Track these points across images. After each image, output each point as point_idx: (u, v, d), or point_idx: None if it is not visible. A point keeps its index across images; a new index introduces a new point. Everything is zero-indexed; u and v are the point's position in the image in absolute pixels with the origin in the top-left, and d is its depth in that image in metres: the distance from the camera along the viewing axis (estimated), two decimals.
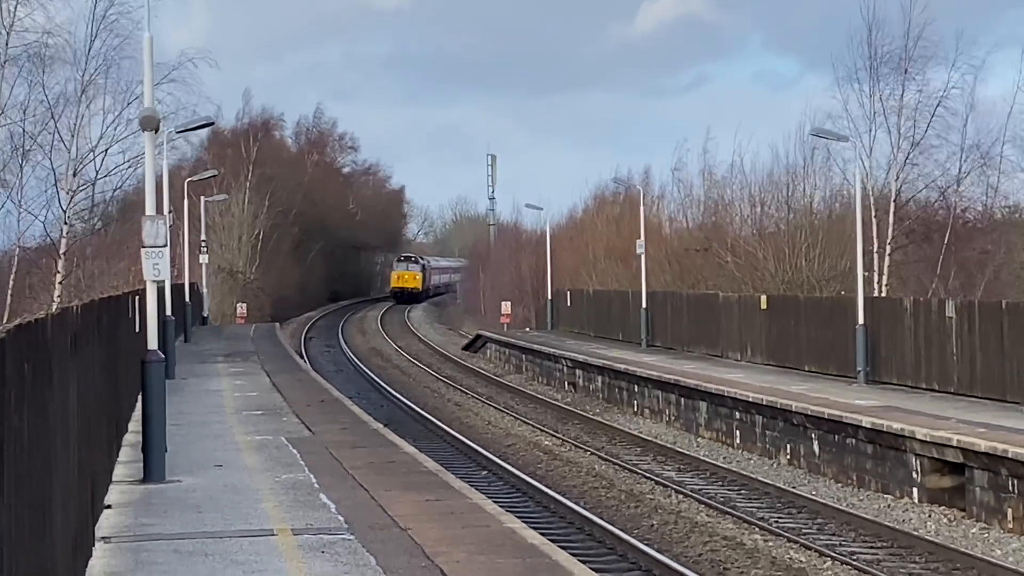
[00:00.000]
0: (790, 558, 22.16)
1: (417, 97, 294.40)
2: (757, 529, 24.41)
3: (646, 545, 22.39)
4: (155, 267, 20.98)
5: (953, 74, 51.17)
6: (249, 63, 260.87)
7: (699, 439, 37.13)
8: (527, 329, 72.85)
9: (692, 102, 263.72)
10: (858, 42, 51.67)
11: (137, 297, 26.11)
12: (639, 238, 55.79)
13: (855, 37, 52.07)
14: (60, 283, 55.48)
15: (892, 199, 51.37)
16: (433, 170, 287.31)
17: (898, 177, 51.72)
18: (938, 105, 51.21)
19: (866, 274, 42.96)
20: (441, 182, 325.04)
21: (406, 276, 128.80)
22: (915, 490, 26.98)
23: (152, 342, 21.20)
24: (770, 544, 23.23)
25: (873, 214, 50.62)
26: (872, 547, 23.08)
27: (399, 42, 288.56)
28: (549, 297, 71.28)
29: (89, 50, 56.72)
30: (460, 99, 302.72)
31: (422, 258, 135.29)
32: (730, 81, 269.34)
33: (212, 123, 49.99)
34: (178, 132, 49.51)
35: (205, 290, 71.73)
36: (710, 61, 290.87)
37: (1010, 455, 23.79)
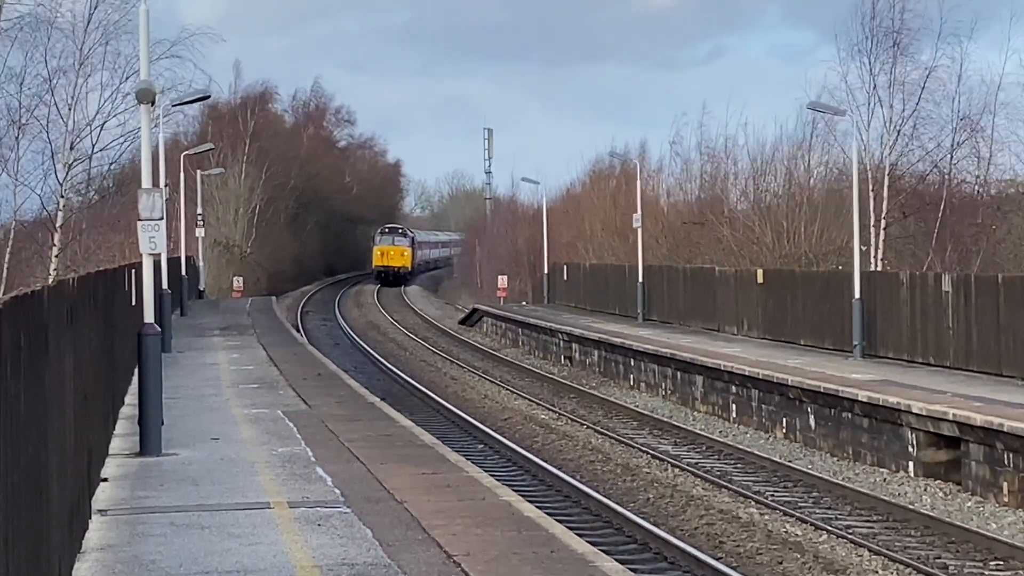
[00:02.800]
0: (786, 531, 22.20)
1: (430, 69, 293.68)
2: (753, 503, 24.44)
3: (642, 518, 22.41)
4: (151, 240, 20.96)
5: (940, 45, 51.24)
6: (268, 34, 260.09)
7: (695, 413, 37.16)
8: (524, 303, 72.84)
9: (705, 75, 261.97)
10: (861, 15, 51.85)
11: (133, 270, 26.10)
12: (636, 212, 55.75)
13: (858, 10, 52.24)
14: (56, 256, 55.44)
15: (886, 173, 51.40)
16: (437, 143, 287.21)
17: (891, 151, 51.75)
18: (927, 77, 51.27)
19: (863, 248, 42.96)
20: (444, 155, 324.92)
21: (392, 252, 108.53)
22: (911, 464, 27.01)
23: (148, 315, 21.18)
24: (766, 518, 23.26)
25: (870, 188, 50.61)
26: (868, 521, 23.12)
27: (417, 11, 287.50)
28: (546, 271, 71.26)
29: (88, 23, 56.61)
30: (472, 71, 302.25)
31: (410, 230, 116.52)
32: (745, 54, 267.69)
33: (208, 96, 49.88)
34: (174, 105, 49.46)
35: (201, 264, 71.69)
36: (728, 33, 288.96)
37: (1006, 429, 23.82)
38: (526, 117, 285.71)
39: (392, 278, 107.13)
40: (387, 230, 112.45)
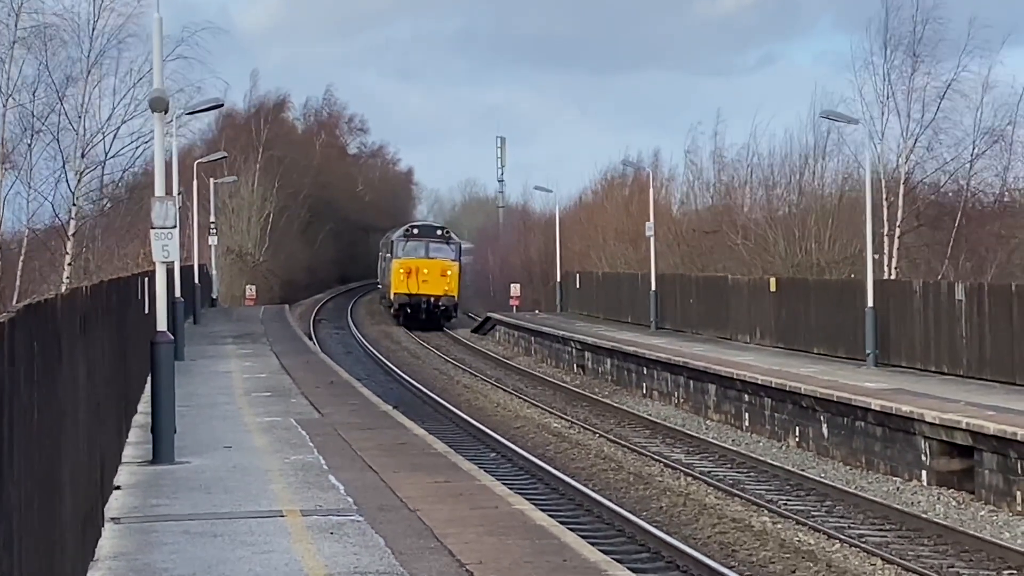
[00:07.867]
0: (799, 540, 22.16)
1: (476, 76, 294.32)
2: (766, 511, 24.41)
3: (655, 527, 22.39)
4: (164, 248, 20.99)
5: (964, 58, 51.26)
6: (323, 41, 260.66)
7: (708, 421, 37.13)
8: (536, 311, 72.81)
9: (750, 83, 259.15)
10: (877, 26, 51.98)
11: (146, 278, 26.14)
12: (648, 220, 55.74)
13: (874, 20, 52.40)
14: (69, 264, 55.50)
15: (901, 182, 51.37)
16: (472, 151, 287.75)
17: (907, 160, 51.72)
18: (948, 88, 51.26)
19: (876, 257, 42.92)
20: (474, 163, 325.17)
21: (425, 271, 68.31)
22: (924, 473, 26.97)
23: (161, 323, 21.22)
24: (779, 526, 23.23)
25: (884, 197, 50.56)
26: (881, 529, 23.08)
27: (470, 18, 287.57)
28: (558, 279, 71.24)
29: (93, 30, 56.60)
30: (517, 78, 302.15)
31: (454, 234, 73.84)
32: (793, 61, 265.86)
33: (221, 104, 49.86)
34: (187, 113, 49.48)
35: (214, 272, 71.77)
36: (781, 40, 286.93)
37: (1019, 438, 23.75)
38: (565, 125, 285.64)
39: (426, 316, 69.33)
40: (416, 232, 71.17)
